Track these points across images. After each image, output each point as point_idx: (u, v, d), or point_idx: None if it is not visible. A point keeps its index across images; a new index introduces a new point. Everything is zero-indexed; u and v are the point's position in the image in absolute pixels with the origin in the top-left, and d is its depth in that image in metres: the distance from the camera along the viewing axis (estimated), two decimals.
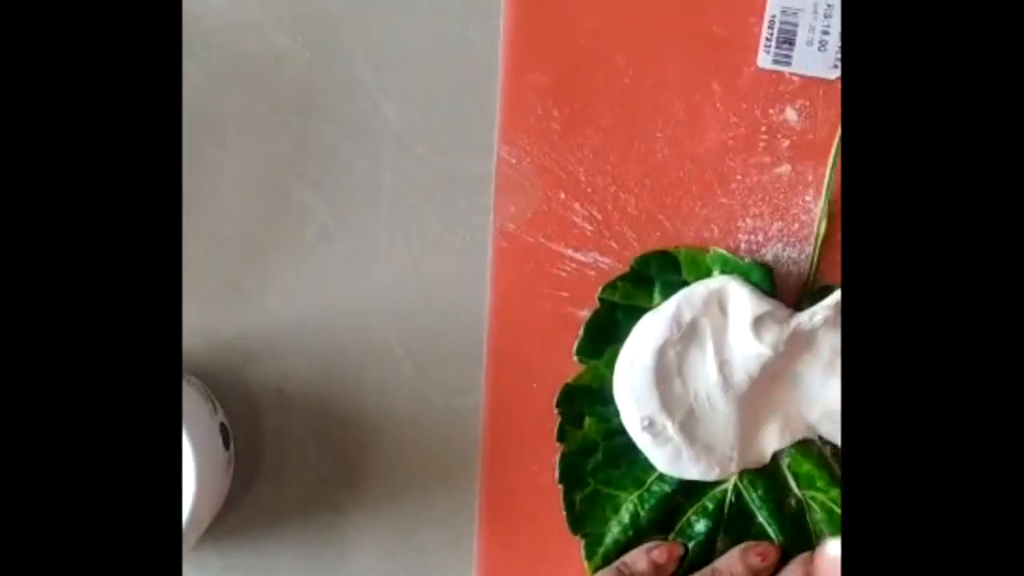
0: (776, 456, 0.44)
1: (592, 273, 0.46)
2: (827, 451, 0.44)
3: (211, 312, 0.47)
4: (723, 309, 0.43)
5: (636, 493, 0.45)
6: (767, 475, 0.44)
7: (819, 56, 0.44)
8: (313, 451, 0.47)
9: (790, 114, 0.45)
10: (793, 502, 0.44)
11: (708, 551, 0.44)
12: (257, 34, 0.46)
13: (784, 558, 0.44)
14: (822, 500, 0.44)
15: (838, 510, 0.44)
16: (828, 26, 0.44)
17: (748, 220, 0.45)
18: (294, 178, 0.47)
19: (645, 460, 0.44)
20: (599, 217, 0.46)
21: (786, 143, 0.45)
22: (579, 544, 0.45)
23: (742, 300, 0.43)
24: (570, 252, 0.46)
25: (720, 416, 0.43)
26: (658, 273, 0.45)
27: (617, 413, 0.44)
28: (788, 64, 0.44)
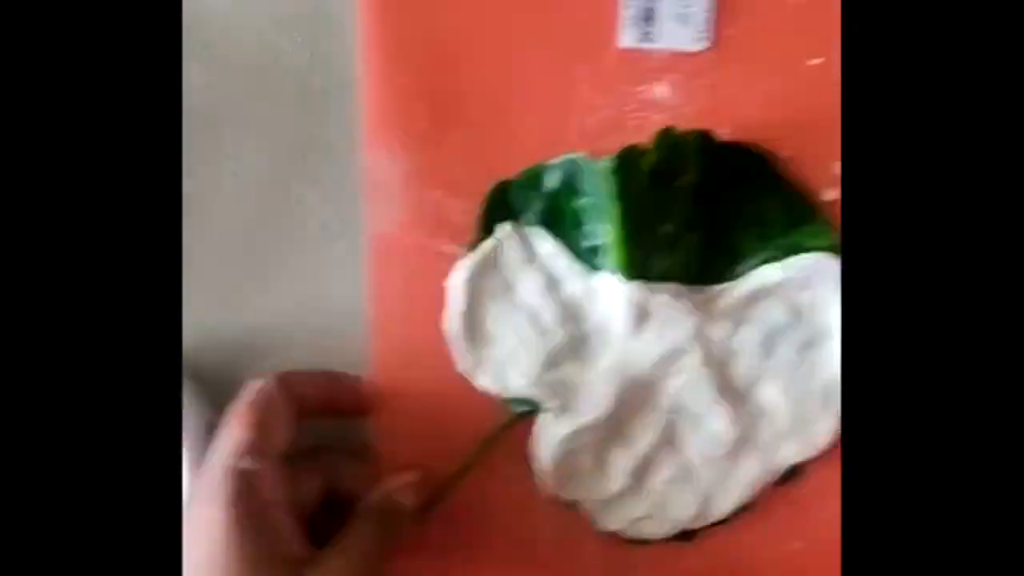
0: None
1: None
2: None
3: (209, 312, 0.47)
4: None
5: None
6: None
7: (683, 30, 0.44)
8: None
9: (661, 90, 0.44)
10: None
11: None
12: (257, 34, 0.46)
13: None
14: None
15: None
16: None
17: None
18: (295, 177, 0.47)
19: None
20: (478, 212, 0.45)
21: (658, 118, 0.44)
22: None
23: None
24: (451, 248, 0.45)
25: None
26: None
27: None
28: (651, 41, 0.44)
